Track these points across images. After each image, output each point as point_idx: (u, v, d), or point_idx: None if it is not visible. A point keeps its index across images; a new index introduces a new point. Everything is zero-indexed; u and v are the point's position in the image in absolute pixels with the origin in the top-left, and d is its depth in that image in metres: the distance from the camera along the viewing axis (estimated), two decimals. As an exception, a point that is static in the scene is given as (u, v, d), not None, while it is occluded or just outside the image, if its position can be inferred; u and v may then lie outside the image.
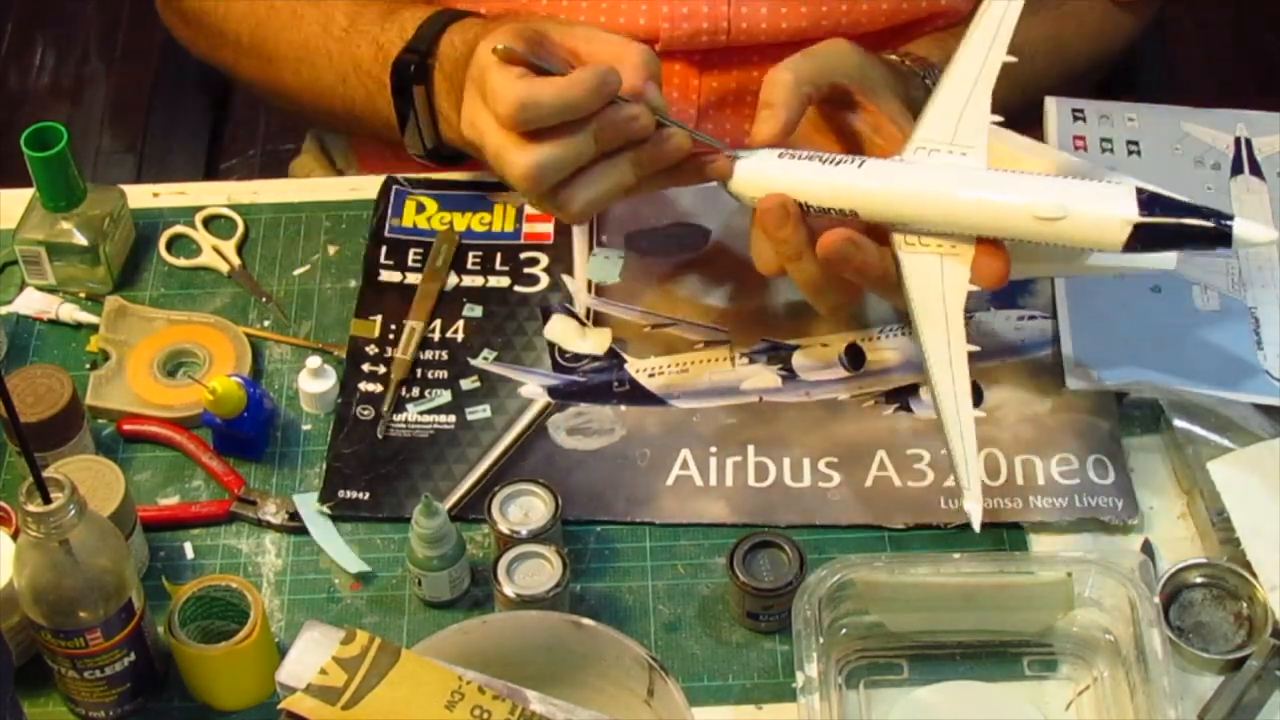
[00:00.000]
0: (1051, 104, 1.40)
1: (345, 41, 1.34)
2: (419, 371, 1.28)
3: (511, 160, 1.14)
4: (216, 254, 1.36)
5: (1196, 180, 1.36)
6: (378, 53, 1.31)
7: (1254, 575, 1.14)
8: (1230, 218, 1.07)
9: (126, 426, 1.26)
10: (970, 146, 1.15)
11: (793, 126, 1.17)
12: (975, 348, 1.13)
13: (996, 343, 1.28)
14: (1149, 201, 1.08)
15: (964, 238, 1.13)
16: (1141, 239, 1.08)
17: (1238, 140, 1.38)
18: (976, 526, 1.12)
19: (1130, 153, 1.37)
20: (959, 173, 1.13)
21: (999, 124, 1.16)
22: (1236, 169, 1.36)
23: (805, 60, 1.19)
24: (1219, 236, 1.07)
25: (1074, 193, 1.10)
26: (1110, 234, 1.08)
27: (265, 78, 1.42)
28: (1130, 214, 1.08)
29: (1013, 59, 1.16)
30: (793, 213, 1.14)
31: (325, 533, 1.20)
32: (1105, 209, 1.08)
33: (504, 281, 1.34)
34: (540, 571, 1.13)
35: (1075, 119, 1.39)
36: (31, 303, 1.34)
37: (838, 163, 1.15)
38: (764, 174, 1.16)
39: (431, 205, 1.38)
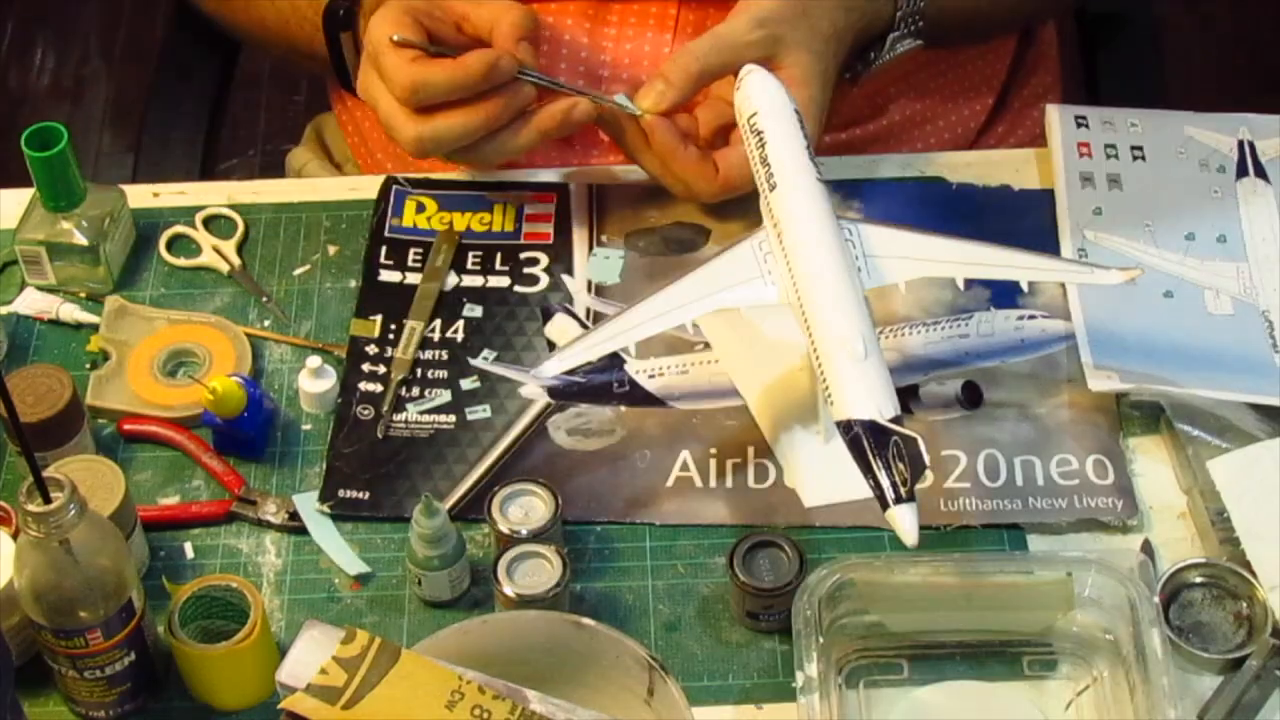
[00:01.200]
0: (1054, 111, 1.40)
1: None
2: (419, 371, 1.28)
3: (400, 130, 1.27)
4: (216, 254, 1.36)
5: (1203, 183, 1.36)
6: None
7: (1254, 575, 1.14)
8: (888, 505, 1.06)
9: (126, 426, 1.26)
10: None
11: (679, 108, 1.29)
12: None
13: (996, 343, 1.28)
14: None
15: None
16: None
17: (1241, 143, 1.38)
18: None
19: (1135, 158, 1.37)
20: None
21: None
22: (1241, 171, 1.36)
23: (712, 48, 1.28)
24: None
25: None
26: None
27: (222, 14, 1.53)
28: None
29: None
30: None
31: (325, 533, 1.20)
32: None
33: (504, 281, 1.34)
34: (540, 571, 1.13)
35: (1079, 125, 1.39)
36: (32, 303, 1.34)
37: None
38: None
39: (431, 205, 1.38)
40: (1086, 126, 1.39)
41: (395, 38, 1.25)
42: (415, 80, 1.24)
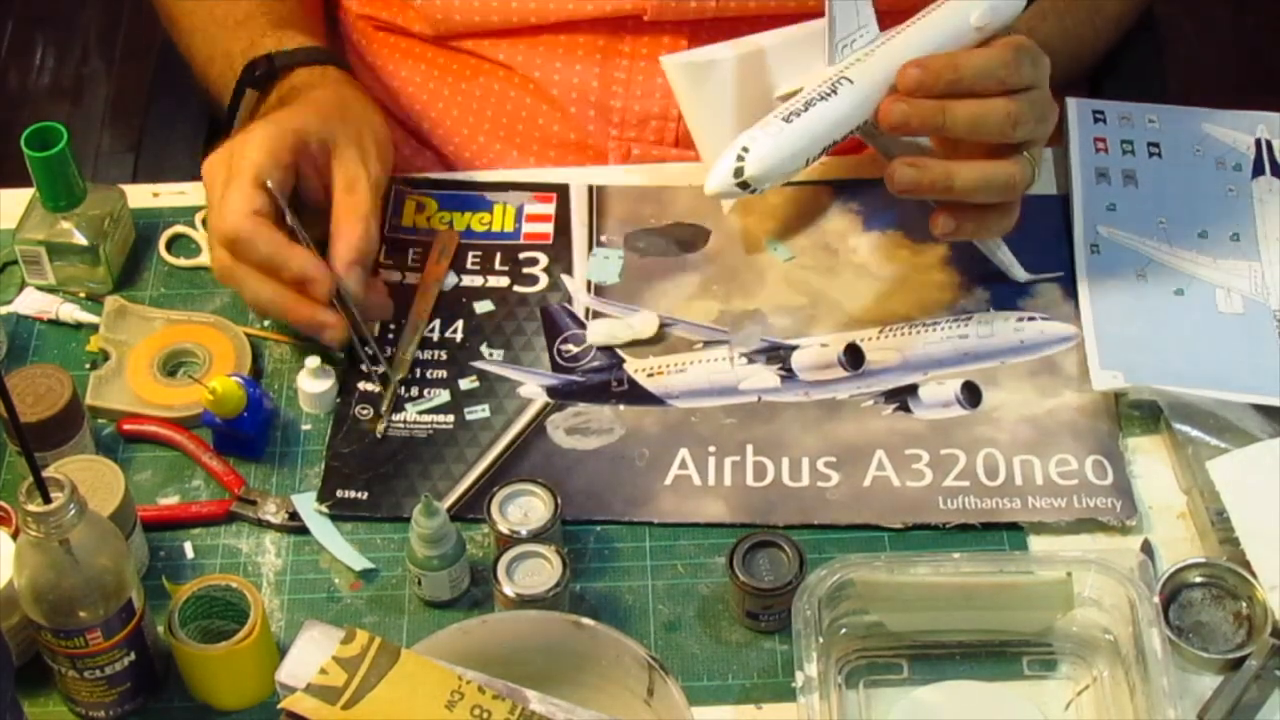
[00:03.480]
0: (1073, 105, 1.39)
1: (232, 31, 1.38)
2: (418, 371, 1.28)
3: (214, 249, 1.25)
4: (216, 254, 1.36)
5: (1218, 181, 1.36)
6: (249, 49, 1.35)
7: (1253, 575, 1.14)
8: None
9: (126, 426, 1.26)
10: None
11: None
12: None
13: (996, 344, 1.28)
14: None
15: None
16: None
17: (1258, 141, 1.38)
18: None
19: (1151, 154, 1.37)
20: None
21: None
22: (1258, 170, 1.36)
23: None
24: None
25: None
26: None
27: (176, 41, 1.48)
28: None
29: None
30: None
31: (326, 532, 1.20)
32: None
33: (504, 281, 1.34)
34: (540, 571, 1.13)
35: (1096, 120, 1.39)
36: (31, 303, 1.34)
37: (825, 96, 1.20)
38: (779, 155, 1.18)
39: (431, 205, 1.38)
40: (1104, 121, 1.39)
41: (255, 209, 1.22)
42: (240, 234, 1.21)
